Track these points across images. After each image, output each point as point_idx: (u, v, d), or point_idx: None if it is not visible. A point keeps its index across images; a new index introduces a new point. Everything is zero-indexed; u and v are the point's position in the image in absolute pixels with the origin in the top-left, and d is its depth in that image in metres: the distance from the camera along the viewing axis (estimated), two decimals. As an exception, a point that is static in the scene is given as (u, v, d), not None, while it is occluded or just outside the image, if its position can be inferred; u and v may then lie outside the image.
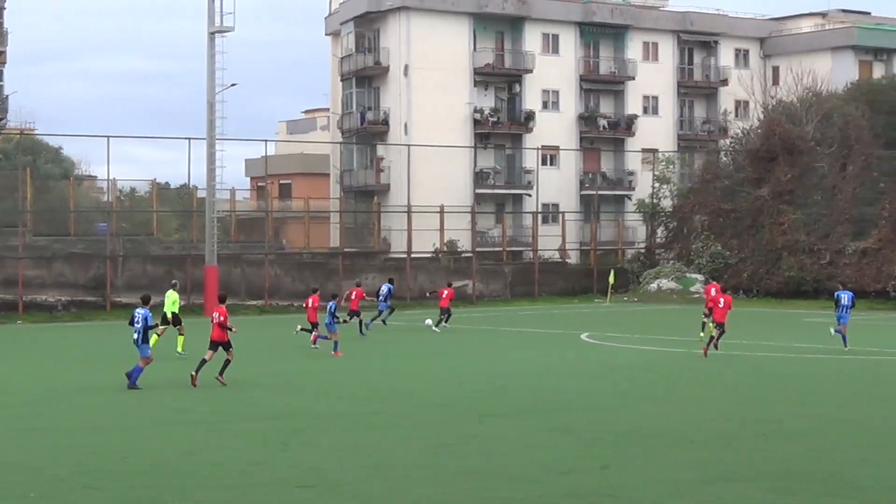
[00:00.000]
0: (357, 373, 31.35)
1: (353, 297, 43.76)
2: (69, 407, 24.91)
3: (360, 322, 43.32)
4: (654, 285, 70.80)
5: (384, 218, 73.19)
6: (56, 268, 58.01)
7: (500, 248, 74.84)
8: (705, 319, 40.81)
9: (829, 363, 33.36)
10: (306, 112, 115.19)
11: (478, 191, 79.19)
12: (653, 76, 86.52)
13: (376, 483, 16.58)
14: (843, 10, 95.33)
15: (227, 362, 27.99)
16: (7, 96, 72.16)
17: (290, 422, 22.48)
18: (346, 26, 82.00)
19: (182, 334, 35.47)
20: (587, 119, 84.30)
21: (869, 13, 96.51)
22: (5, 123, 73.71)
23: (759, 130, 75.17)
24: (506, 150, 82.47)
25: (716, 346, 35.36)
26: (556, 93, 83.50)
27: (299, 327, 39.34)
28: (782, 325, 49.09)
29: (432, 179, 74.59)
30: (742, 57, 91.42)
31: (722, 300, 36.24)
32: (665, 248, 76.28)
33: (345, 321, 41.69)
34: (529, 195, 79.31)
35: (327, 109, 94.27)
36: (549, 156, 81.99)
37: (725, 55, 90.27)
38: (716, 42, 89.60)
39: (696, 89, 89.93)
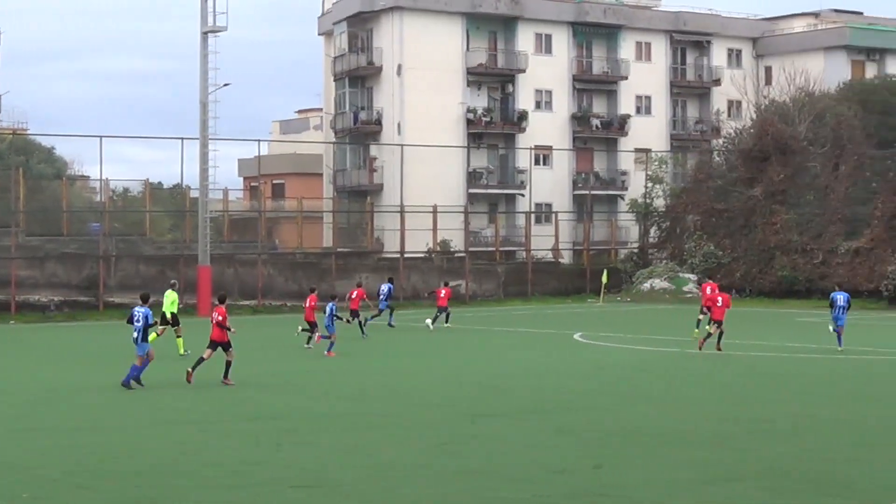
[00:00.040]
0: (352, 373, 31.34)
1: (353, 296, 43.69)
2: (62, 407, 24.88)
3: (360, 323, 43.07)
4: (646, 285, 70.84)
5: (377, 218, 73.22)
6: (49, 268, 57.94)
7: (494, 248, 74.87)
8: (701, 317, 40.95)
9: (822, 363, 33.40)
10: (299, 112, 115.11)
11: (471, 191, 79.21)
12: (646, 76, 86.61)
13: (372, 483, 16.58)
14: (836, 10, 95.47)
15: (229, 363, 28.08)
16: (0, 96, 72.10)
17: (284, 422, 22.47)
18: (339, 26, 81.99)
19: (180, 335, 35.43)
20: (580, 119, 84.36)
21: (861, 13, 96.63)
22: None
23: (752, 130, 75.25)
24: (499, 149, 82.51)
25: (718, 348, 35.33)
26: (549, 93, 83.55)
27: (300, 328, 39.28)
28: (775, 325, 49.14)
29: (425, 179, 74.58)
30: (735, 57, 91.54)
31: (720, 299, 36.26)
32: (658, 247, 76.33)
33: (348, 321, 41.85)
34: (522, 195, 79.33)
35: (320, 109, 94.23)
36: (542, 156, 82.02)
37: (718, 55, 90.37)
38: (708, 42, 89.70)
39: (688, 89, 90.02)
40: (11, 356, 38.03)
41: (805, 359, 34.53)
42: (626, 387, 28.08)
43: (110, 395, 26.55)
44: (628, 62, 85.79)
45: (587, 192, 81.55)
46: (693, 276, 69.74)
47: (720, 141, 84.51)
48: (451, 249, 72.60)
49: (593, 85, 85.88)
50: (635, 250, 77.89)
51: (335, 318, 36.90)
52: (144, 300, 28.06)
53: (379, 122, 79.74)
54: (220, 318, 27.93)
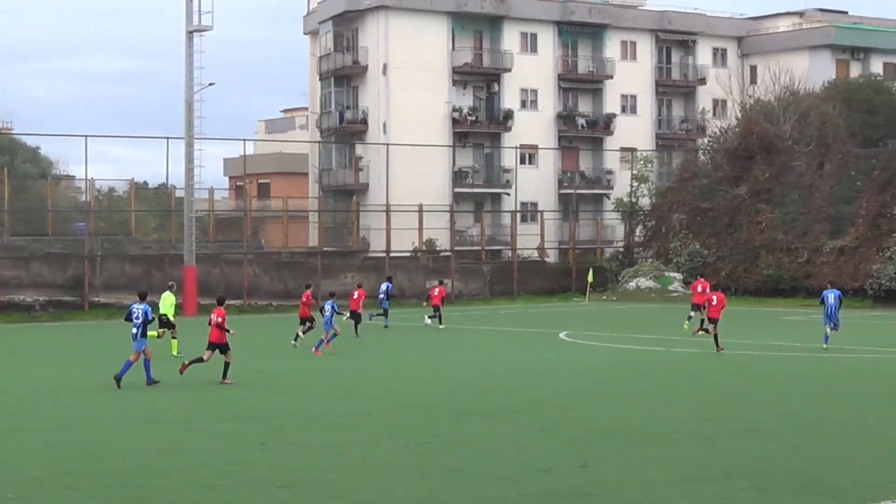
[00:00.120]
0: (337, 372, 31.33)
1: (354, 297, 43.61)
2: (48, 407, 24.83)
3: (357, 324, 42.94)
4: (632, 284, 70.93)
5: (363, 217, 73.17)
6: (34, 268, 57.79)
7: (479, 247, 74.84)
8: (693, 314, 41.13)
9: (808, 361, 33.47)
10: (285, 111, 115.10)
11: (456, 190, 79.22)
12: (631, 75, 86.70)
13: (358, 482, 16.57)
14: (821, 10, 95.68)
15: (227, 364, 28.23)
16: (-16, 96, 71.93)
17: (269, 421, 22.45)
18: (324, 25, 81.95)
19: (175, 337, 35.36)
20: (566, 118, 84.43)
21: (846, 12, 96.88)
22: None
23: (737, 129, 75.40)
24: (484, 149, 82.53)
25: (718, 348, 35.26)
26: (535, 92, 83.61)
27: (300, 333, 39.08)
28: (760, 324, 49.22)
29: (411, 178, 74.58)
30: (720, 56, 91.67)
31: (715, 298, 36.26)
32: (643, 246, 76.42)
33: (348, 317, 41.99)
34: (508, 194, 79.40)
35: (306, 109, 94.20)
36: (528, 155, 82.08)
37: (703, 54, 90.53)
38: (694, 41, 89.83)
39: (674, 88, 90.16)
40: (-4, 356, 37.92)
41: (790, 357, 34.60)
42: (611, 386, 28.12)
43: (96, 394, 26.51)
44: (614, 61, 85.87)
45: (573, 191, 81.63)
46: (678, 275, 69.88)
47: (705, 140, 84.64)
48: (437, 248, 72.61)
49: (579, 84, 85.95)
50: (621, 249, 77.99)
51: (336, 313, 36.94)
52: (142, 297, 28.08)
53: (364, 122, 79.72)
54: (220, 319, 28.02)
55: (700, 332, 38.32)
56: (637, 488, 16.01)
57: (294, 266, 64.84)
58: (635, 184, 79.09)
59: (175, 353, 34.54)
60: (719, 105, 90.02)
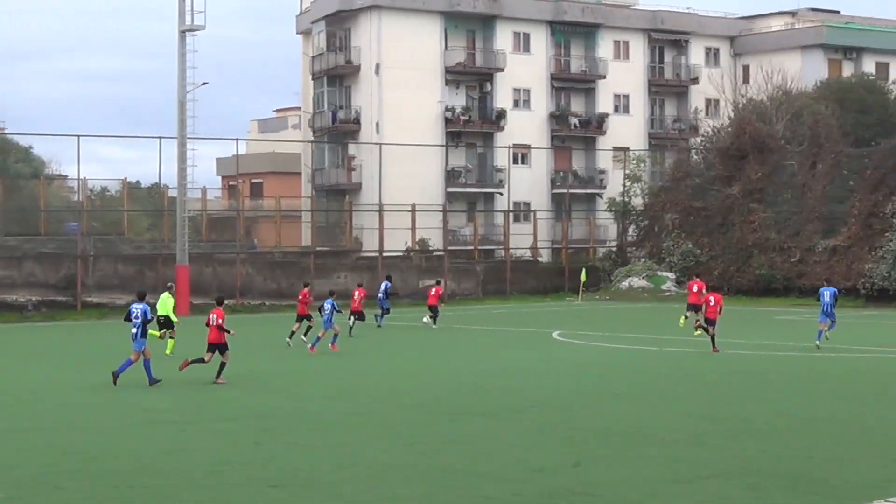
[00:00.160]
0: (331, 372, 31.33)
1: (355, 297, 43.54)
2: (40, 407, 24.80)
3: (352, 326, 42.88)
4: (625, 283, 70.96)
5: (356, 217, 73.17)
6: (26, 267, 57.70)
7: (472, 247, 74.91)
8: (687, 314, 41.18)
9: (800, 361, 33.50)
10: (278, 111, 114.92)
11: (449, 189, 79.22)
12: (624, 75, 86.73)
13: (352, 482, 16.57)
14: (813, 9, 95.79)
15: (223, 365, 28.24)
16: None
17: (263, 421, 22.44)
18: (317, 25, 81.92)
19: (172, 338, 35.29)
20: (558, 118, 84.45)
21: (838, 12, 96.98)
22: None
23: (730, 129, 75.38)
24: (477, 148, 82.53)
25: (713, 349, 35.28)
26: (528, 91, 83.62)
27: (305, 329, 39.03)
28: (753, 323, 49.25)
29: (404, 178, 74.54)
30: (712, 55, 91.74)
31: (713, 298, 36.27)
32: (636, 246, 76.46)
33: (357, 319, 42.41)
34: (501, 194, 79.40)
35: (299, 108, 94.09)
36: (521, 154, 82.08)
37: (696, 54, 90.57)
38: (686, 41, 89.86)
39: (666, 88, 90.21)
40: (-11, 356, 37.88)
41: (783, 357, 34.63)
42: (604, 385, 28.14)
43: (89, 394, 26.49)
44: (606, 61, 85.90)
45: (565, 190, 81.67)
46: (671, 275, 69.93)
47: (698, 139, 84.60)
48: (430, 248, 72.62)
49: (571, 84, 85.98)
50: (614, 249, 78.01)
51: (336, 311, 36.93)
52: (141, 297, 28.07)
53: (357, 121, 79.71)
54: (220, 320, 28.08)
55: (698, 332, 38.29)
56: (630, 488, 16.02)
57: (287, 266, 64.83)
58: (628, 183, 79.16)
59: (169, 352, 34.52)
60: (712, 105, 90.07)
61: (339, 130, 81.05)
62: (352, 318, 42.83)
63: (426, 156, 76.56)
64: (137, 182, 74.50)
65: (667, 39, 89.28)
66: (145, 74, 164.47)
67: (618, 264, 74.46)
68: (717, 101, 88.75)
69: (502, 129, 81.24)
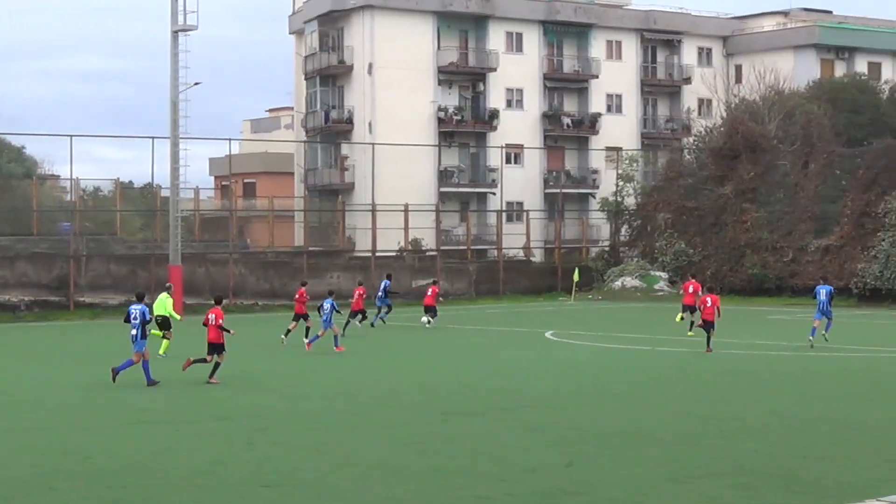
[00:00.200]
0: (323, 372, 31.33)
1: (356, 296, 43.55)
2: (34, 407, 24.77)
3: (347, 323, 42.79)
4: (618, 283, 71.00)
5: (349, 217, 73.13)
6: (19, 267, 57.63)
7: (465, 247, 74.90)
8: (683, 315, 41.24)
9: (792, 360, 33.56)
10: (270, 111, 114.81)
11: (442, 189, 79.20)
12: (616, 75, 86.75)
13: (344, 482, 16.59)
14: (805, 9, 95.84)
15: (217, 365, 28.33)
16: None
17: (256, 421, 22.44)
18: (309, 25, 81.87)
19: (168, 339, 35.27)
20: (551, 117, 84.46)
21: (831, 12, 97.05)
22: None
23: (722, 128, 75.45)
24: (470, 148, 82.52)
25: (707, 348, 35.30)
26: (521, 91, 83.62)
27: (305, 331, 39.01)
28: (746, 323, 49.27)
29: (397, 178, 74.52)
30: (705, 55, 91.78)
31: (709, 300, 36.31)
32: (629, 245, 76.51)
33: (361, 319, 42.74)
34: (494, 193, 79.42)
35: (291, 108, 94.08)
36: (514, 154, 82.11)
37: (688, 54, 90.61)
38: (679, 41, 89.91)
39: (659, 88, 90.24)
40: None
41: (775, 356, 34.69)
42: (597, 385, 28.17)
43: (82, 395, 26.48)
44: (599, 61, 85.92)
45: (558, 190, 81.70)
46: (664, 275, 69.98)
47: (691, 139, 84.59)
48: (423, 248, 72.61)
49: (564, 83, 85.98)
50: (606, 248, 78.07)
51: (335, 311, 36.93)
52: (140, 298, 28.08)
53: (350, 121, 79.68)
54: (220, 320, 28.11)
55: (691, 333, 38.25)
56: (623, 487, 16.04)
57: (280, 266, 64.82)
58: (621, 183, 79.18)
59: (162, 352, 34.50)
60: (704, 104, 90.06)
61: (331, 130, 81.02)
62: (358, 315, 43.02)
63: (419, 156, 76.55)
64: (130, 182, 74.55)
65: (659, 39, 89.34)
66: (138, 74, 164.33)
67: (610, 264, 74.52)
68: (709, 101, 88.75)
69: (495, 128, 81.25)
